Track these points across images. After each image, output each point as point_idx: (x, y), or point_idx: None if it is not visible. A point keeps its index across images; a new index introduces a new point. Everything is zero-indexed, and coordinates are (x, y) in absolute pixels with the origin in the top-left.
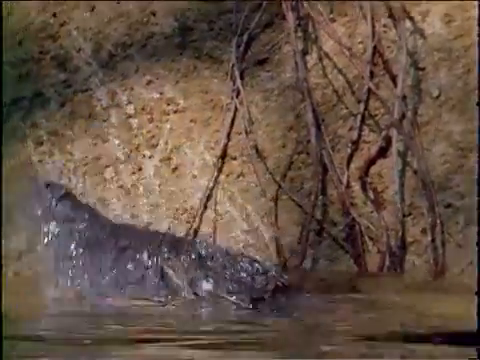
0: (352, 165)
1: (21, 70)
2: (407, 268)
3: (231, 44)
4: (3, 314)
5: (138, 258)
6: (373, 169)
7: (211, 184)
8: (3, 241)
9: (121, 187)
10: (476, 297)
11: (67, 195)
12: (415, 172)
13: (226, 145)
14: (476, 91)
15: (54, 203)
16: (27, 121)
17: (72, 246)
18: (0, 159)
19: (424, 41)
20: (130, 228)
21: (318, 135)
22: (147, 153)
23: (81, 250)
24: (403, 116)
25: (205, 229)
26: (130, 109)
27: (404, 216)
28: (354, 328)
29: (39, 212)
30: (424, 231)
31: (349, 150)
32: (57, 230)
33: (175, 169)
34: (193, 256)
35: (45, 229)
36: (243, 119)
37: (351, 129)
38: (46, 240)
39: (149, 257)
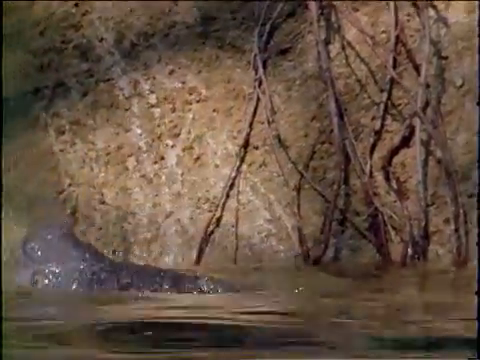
0: (375, 155)
1: (43, 60)
2: (430, 258)
3: (253, 33)
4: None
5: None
6: (396, 159)
7: (233, 173)
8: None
9: (143, 176)
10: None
11: (66, 235)
12: (438, 161)
13: (248, 134)
14: None
15: (54, 243)
16: (49, 111)
17: (73, 286)
18: (0, 154)
19: (447, 30)
20: (130, 266)
21: (341, 125)
22: (169, 142)
23: (82, 290)
24: (426, 105)
25: (227, 219)
26: (152, 98)
27: (427, 206)
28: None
29: (39, 253)
30: (447, 221)
31: (372, 140)
32: (57, 270)
33: (197, 158)
34: (195, 292)
35: (45, 270)
36: (265, 109)
37: (374, 118)
38: (47, 281)
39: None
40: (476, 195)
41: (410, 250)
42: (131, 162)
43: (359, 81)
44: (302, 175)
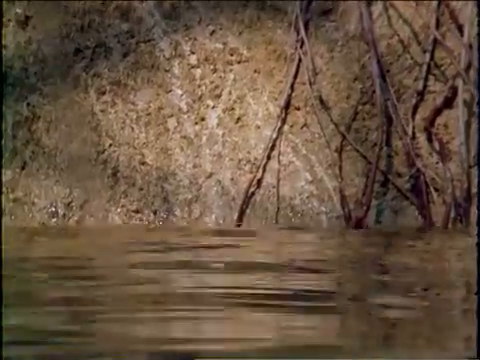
0: (417, 116)
1: (84, 20)
2: (472, 219)
3: None
4: None
5: None
6: (439, 120)
7: (275, 135)
8: None
9: (184, 137)
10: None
11: None
12: None
13: (290, 96)
14: None
15: None
16: (90, 71)
17: None
18: (0, 151)
19: None
20: None
21: (383, 86)
22: (210, 103)
23: None
24: (469, 66)
25: (268, 180)
26: (193, 59)
27: (470, 167)
28: None
29: None
30: None
31: (414, 100)
32: None
33: (238, 119)
34: None
35: None
36: (307, 70)
37: (416, 79)
38: None
39: None
40: None
41: (452, 212)
42: (172, 123)
43: (402, 42)
44: (344, 136)
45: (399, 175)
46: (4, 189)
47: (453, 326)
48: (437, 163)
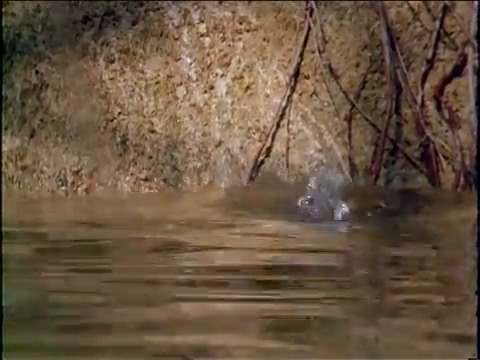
0: (427, 84)
1: None
2: None
3: None
4: None
5: None
6: (448, 87)
7: (284, 103)
8: None
9: (193, 106)
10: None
11: None
12: None
13: (299, 64)
14: None
15: None
16: (98, 39)
17: None
18: None
19: None
20: None
21: (392, 54)
22: (219, 72)
23: None
24: (479, 33)
25: (278, 148)
26: (202, 28)
27: (479, 135)
28: None
29: None
30: None
31: (424, 68)
32: None
33: (248, 88)
34: None
35: None
36: (316, 38)
37: (426, 47)
38: None
39: None
40: None
41: (461, 179)
42: (181, 91)
43: (411, 9)
44: (353, 104)
45: (408, 143)
46: (13, 157)
47: None
48: (446, 131)
